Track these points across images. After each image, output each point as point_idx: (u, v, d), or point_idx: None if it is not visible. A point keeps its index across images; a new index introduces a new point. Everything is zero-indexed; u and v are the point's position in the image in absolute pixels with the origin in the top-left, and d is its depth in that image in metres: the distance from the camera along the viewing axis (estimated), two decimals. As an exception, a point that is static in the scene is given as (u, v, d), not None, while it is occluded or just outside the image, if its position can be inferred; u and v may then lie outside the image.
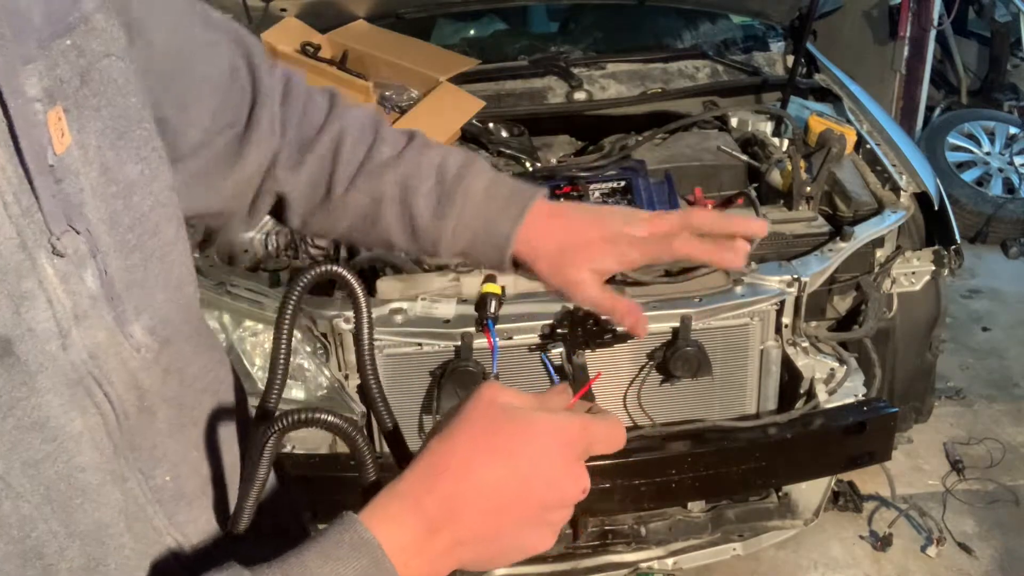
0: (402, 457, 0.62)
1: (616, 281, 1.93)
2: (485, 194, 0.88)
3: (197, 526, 0.69)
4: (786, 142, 2.40)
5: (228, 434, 0.74)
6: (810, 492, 2.20)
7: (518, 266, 0.90)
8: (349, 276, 0.67)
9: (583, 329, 1.83)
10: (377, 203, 0.88)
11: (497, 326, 1.82)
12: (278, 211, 0.92)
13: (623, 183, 2.11)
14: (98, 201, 0.58)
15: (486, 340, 1.83)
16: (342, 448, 1.96)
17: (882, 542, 2.48)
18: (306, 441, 1.94)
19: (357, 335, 0.69)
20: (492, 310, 1.82)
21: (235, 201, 0.88)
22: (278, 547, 0.56)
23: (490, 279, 1.88)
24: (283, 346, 0.67)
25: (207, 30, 0.81)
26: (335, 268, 0.67)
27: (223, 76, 0.82)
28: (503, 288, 1.86)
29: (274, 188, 0.89)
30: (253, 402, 0.82)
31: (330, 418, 0.60)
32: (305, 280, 0.66)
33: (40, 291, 0.54)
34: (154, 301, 0.63)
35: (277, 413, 0.64)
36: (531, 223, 0.87)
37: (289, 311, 0.66)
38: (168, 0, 0.74)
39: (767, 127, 2.50)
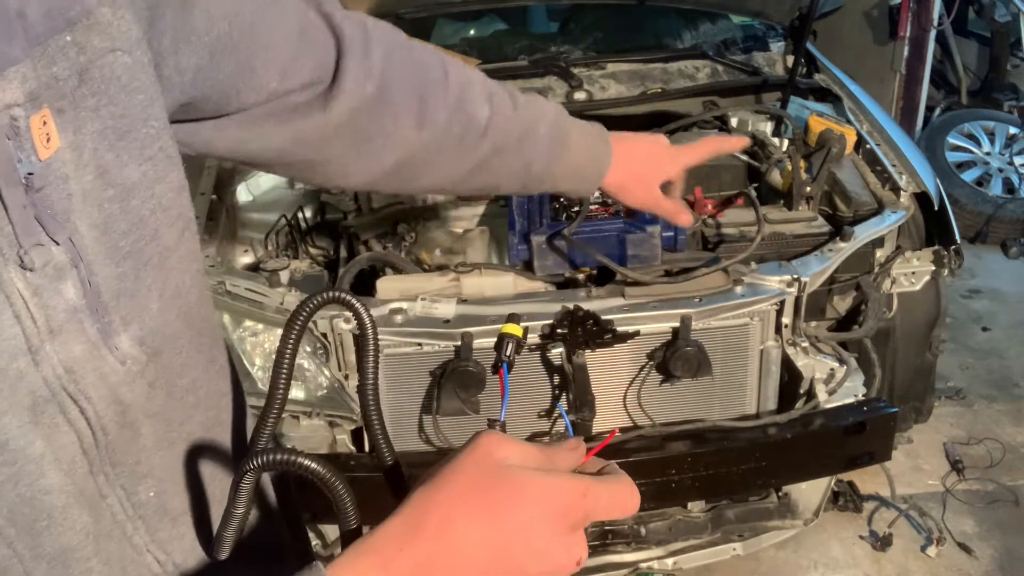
0: (400, 496, 0.59)
1: (616, 281, 1.93)
2: (578, 135, 1.02)
3: (182, 544, 0.66)
4: (786, 142, 2.40)
5: (222, 450, 0.71)
6: (810, 492, 2.20)
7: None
8: (358, 305, 0.63)
9: (583, 329, 1.82)
10: (496, 154, 0.97)
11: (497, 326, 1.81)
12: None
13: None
14: (90, 206, 0.56)
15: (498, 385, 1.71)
16: (342, 448, 1.96)
17: (882, 542, 2.48)
18: (307, 441, 1.93)
19: (362, 365, 0.64)
20: (508, 353, 1.71)
21: (317, 152, 0.87)
22: (264, 570, 0.55)
23: (513, 319, 1.75)
24: (281, 383, 0.62)
25: None
26: (344, 295, 0.62)
27: (290, 36, 0.79)
28: (525, 330, 1.76)
29: (394, 156, 0.91)
30: (252, 401, 0.81)
31: (311, 463, 0.56)
32: (310, 307, 0.61)
33: (7, 307, 0.51)
34: (146, 310, 0.61)
35: (260, 448, 0.60)
36: (616, 154, 1.05)
37: (291, 343, 0.62)
38: None
39: (767, 127, 2.50)
